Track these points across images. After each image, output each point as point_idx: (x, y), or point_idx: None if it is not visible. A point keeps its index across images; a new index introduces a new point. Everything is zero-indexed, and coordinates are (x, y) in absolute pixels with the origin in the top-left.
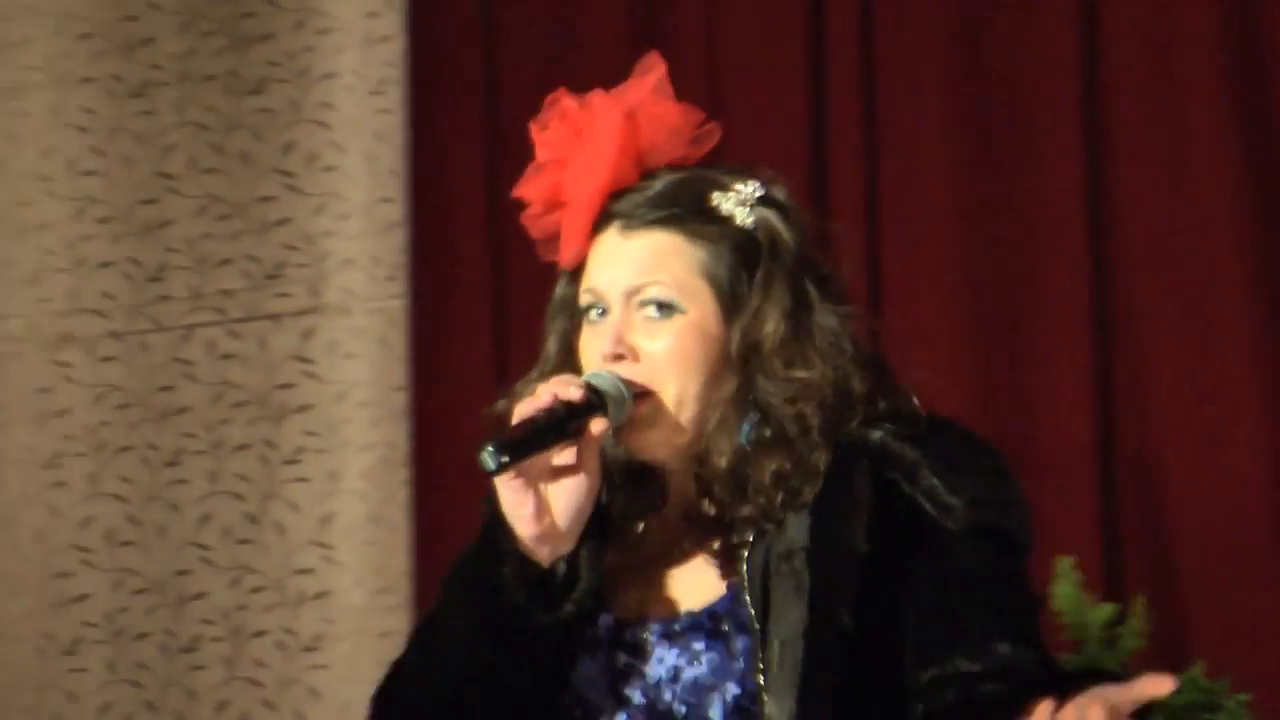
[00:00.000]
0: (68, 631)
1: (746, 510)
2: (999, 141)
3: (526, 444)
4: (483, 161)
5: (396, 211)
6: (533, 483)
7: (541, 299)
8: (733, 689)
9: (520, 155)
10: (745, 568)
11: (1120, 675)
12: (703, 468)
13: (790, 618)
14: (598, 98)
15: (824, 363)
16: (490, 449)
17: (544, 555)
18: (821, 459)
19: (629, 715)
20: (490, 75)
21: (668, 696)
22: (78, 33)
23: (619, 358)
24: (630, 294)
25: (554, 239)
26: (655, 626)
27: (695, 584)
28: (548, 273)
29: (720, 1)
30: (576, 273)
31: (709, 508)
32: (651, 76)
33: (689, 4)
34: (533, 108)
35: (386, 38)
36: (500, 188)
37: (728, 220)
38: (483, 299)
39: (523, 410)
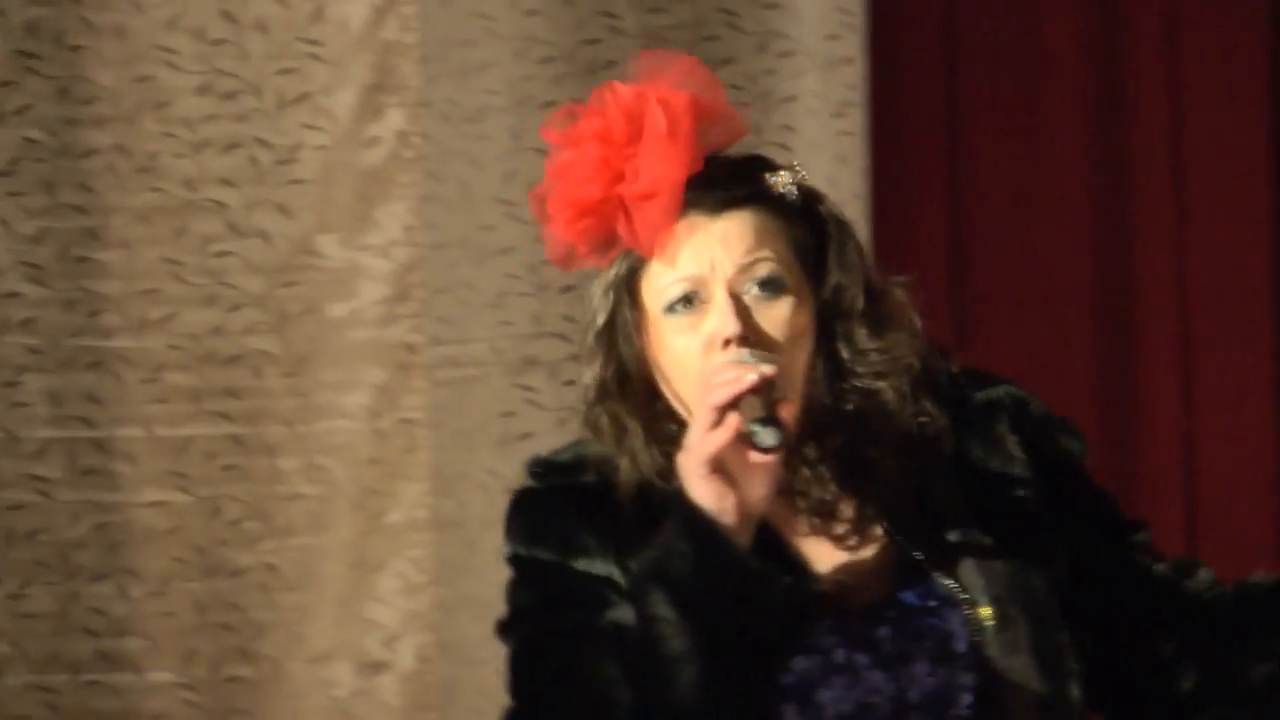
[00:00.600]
0: None
1: (875, 485)
2: None
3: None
4: (944, 184)
5: (860, 235)
6: (725, 467)
7: (1004, 320)
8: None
9: (982, 177)
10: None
11: None
12: (809, 445)
13: (993, 576)
14: (644, 88)
15: (904, 333)
16: (768, 425)
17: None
18: (938, 418)
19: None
20: (952, 97)
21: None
22: (539, 56)
23: (745, 340)
24: (739, 273)
25: (604, 242)
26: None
27: (857, 567)
28: (1009, 291)
29: (1182, 7)
30: (634, 266)
31: (818, 489)
32: (689, 66)
33: (1146, 13)
34: (995, 129)
35: (848, 59)
36: (961, 209)
37: (790, 199)
38: (943, 324)
39: (730, 389)
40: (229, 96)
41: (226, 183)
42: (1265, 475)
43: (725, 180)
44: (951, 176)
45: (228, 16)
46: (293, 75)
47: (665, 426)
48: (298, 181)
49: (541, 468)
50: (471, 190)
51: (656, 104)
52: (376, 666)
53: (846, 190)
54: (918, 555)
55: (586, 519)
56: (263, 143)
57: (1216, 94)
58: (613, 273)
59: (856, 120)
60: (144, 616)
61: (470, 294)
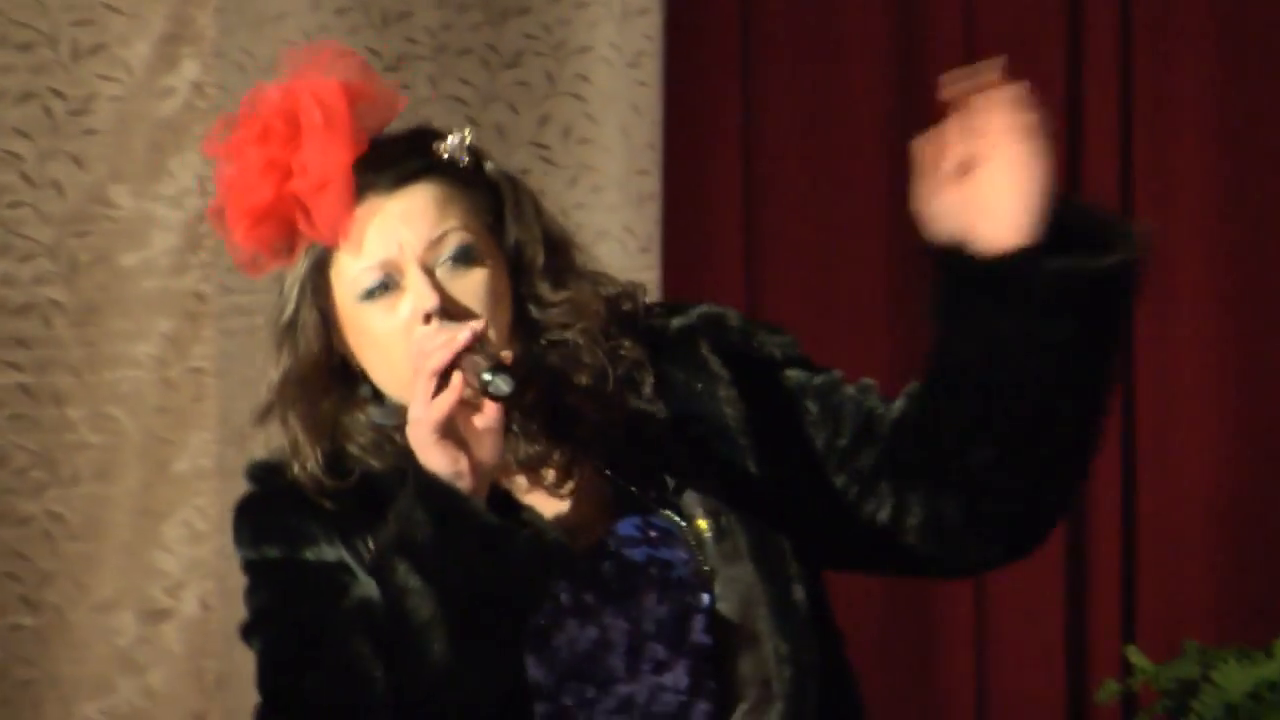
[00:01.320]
0: None
1: (581, 430)
2: (1258, 137)
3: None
4: (738, 134)
5: (651, 185)
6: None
7: (797, 271)
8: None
9: (777, 128)
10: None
11: None
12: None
13: (707, 493)
14: (291, 84)
15: (586, 280)
16: (499, 373)
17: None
18: (633, 353)
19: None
20: (747, 48)
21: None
22: (334, 7)
23: (444, 313)
24: (429, 249)
25: (287, 242)
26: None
27: (577, 511)
28: (803, 245)
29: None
30: (320, 260)
31: (526, 444)
32: (334, 53)
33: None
34: (790, 81)
35: (644, 10)
36: (755, 160)
37: (462, 166)
38: (736, 272)
39: (445, 351)
40: (24, 48)
41: (21, 134)
42: None
43: (395, 157)
44: (745, 127)
45: None
46: (89, 26)
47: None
48: (92, 132)
49: (259, 470)
50: None
51: (308, 96)
52: (160, 614)
53: (641, 140)
54: (632, 490)
55: (308, 510)
56: (57, 93)
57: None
58: (299, 268)
59: (651, 70)
60: None
61: None
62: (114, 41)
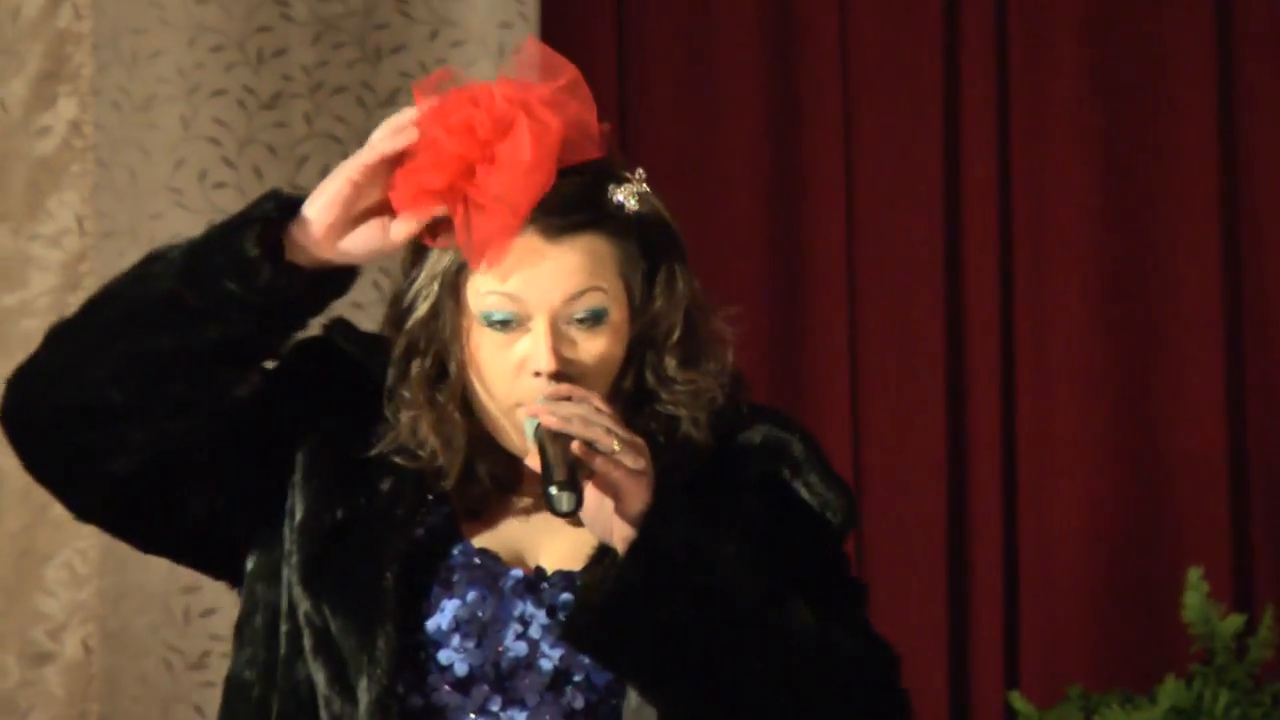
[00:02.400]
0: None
1: None
2: (1132, 145)
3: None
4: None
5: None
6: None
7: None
8: None
9: (654, 156)
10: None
11: None
12: None
13: None
14: (520, 98)
15: (716, 364)
16: (565, 493)
17: (312, 251)
18: (704, 453)
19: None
20: (624, 94)
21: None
22: (210, 44)
23: (556, 376)
24: (565, 304)
25: (424, 227)
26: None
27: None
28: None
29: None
30: (463, 264)
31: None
32: (574, 80)
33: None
34: (668, 98)
35: (521, 49)
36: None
37: (628, 212)
38: None
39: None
40: None
41: None
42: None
43: (568, 202)
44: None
45: None
46: None
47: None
48: None
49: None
50: (141, 179)
51: (527, 128)
52: (42, 657)
53: None
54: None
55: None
56: None
57: (889, 82)
58: (441, 264)
59: None
60: None
61: None
62: None
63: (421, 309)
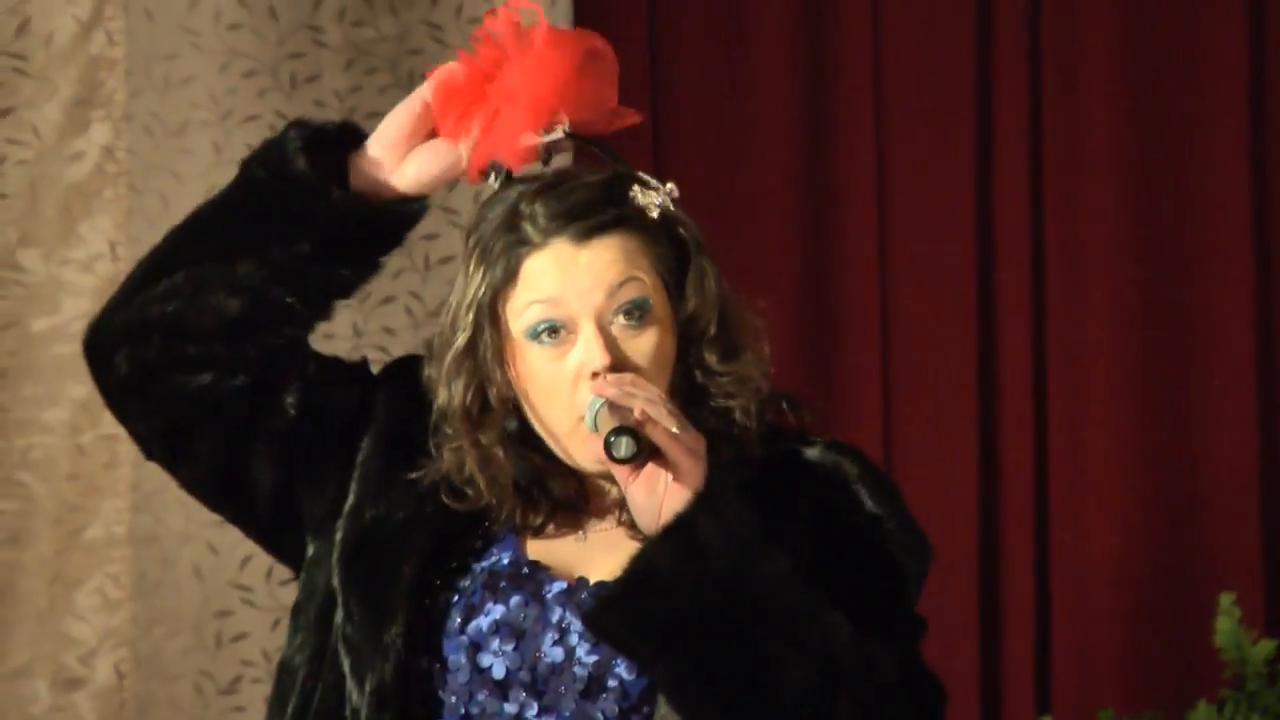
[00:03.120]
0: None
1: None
2: (1165, 167)
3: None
4: (650, 153)
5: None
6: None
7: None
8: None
9: (684, 135)
10: None
11: None
12: None
13: None
14: (552, 34)
15: (754, 354)
16: (623, 437)
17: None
18: (757, 451)
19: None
20: (656, 94)
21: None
22: (243, 70)
23: (613, 370)
24: (608, 300)
25: (459, 134)
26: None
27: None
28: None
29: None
30: (497, 289)
31: None
32: (593, 44)
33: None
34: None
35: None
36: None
37: (656, 217)
38: None
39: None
40: None
41: None
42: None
43: (590, 205)
44: (655, 147)
45: None
46: None
47: (515, 447)
48: (1, 196)
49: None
50: (173, 204)
51: (545, 31)
52: (73, 683)
53: None
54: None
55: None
56: None
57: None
58: (474, 292)
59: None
60: None
61: None
62: (23, 105)
63: (459, 340)
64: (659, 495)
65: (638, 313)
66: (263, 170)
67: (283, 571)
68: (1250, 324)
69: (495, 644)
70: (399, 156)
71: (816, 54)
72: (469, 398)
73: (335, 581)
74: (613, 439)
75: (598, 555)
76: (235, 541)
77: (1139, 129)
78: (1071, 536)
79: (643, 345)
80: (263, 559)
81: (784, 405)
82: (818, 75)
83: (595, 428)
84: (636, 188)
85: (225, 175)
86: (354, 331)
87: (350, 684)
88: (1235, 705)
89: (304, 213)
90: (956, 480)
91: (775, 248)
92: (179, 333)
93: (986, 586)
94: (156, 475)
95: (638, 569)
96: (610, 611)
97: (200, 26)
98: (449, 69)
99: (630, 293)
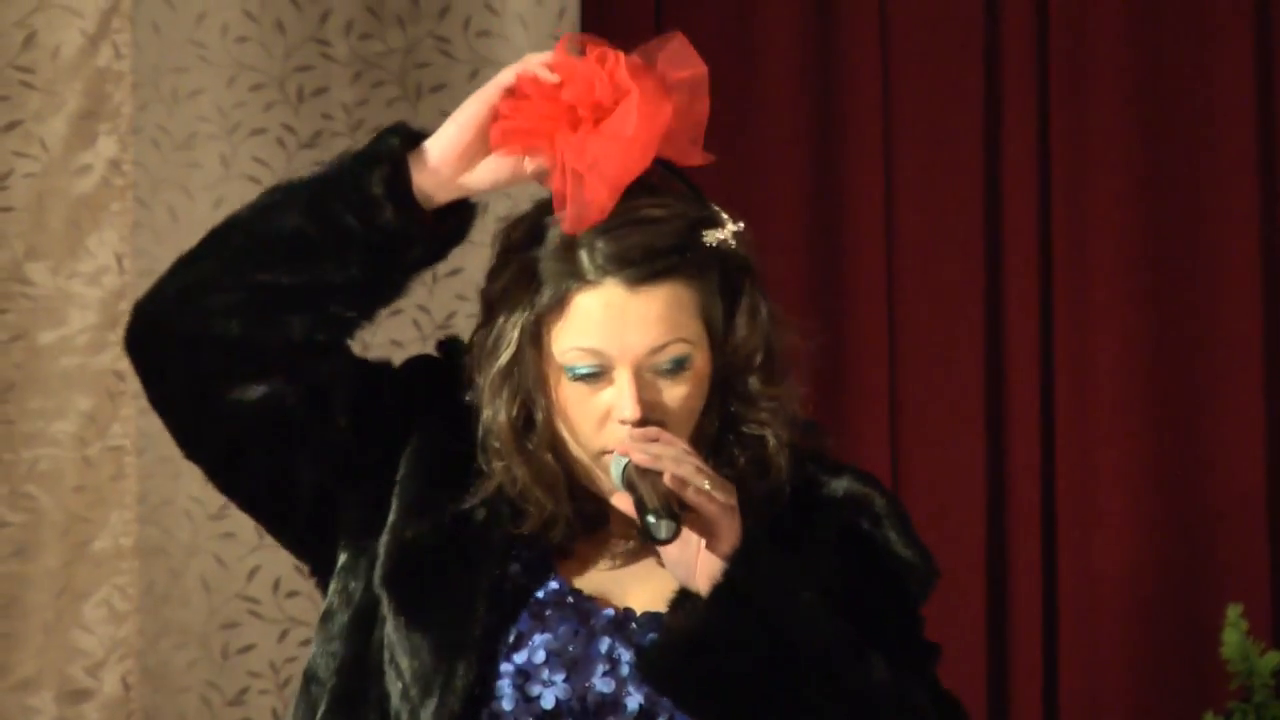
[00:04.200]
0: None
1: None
2: (1174, 180)
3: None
4: None
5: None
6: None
7: None
8: None
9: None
10: None
11: None
12: None
13: None
14: (640, 69)
15: (790, 379)
16: (663, 520)
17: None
18: (786, 485)
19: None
20: None
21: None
22: (250, 83)
23: (643, 423)
24: (648, 356)
25: (516, 157)
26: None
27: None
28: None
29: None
30: (542, 314)
31: None
32: (694, 71)
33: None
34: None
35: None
36: None
37: (716, 252)
38: None
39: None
40: None
41: None
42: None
43: (650, 251)
44: None
45: None
46: (4, 103)
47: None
48: (8, 209)
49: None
50: (180, 217)
51: (637, 103)
52: (80, 694)
53: None
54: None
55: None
56: None
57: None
58: (521, 314)
59: None
60: None
61: None
62: (30, 118)
63: (504, 356)
64: (693, 549)
65: (676, 368)
66: (351, 217)
67: (290, 583)
68: (1259, 338)
69: (545, 674)
70: (464, 160)
71: (824, 67)
72: (515, 413)
73: (384, 603)
74: (652, 522)
75: (630, 582)
76: (242, 554)
77: (1147, 142)
78: (1079, 549)
79: (676, 394)
80: (270, 571)
81: (804, 431)
82: (826, 89)
83: (621, 484)
84: (707, 230)
85: (233, 188)
86: (360, 345)
87: (398, 704)
88: (1243, 717)
89: (384, 248)
90: (964, 494)
91: (782, 261)
92: (240, 350)
93: (994, 599)
94: (164, 487)
95: (689, 628)
96: (672, 665)
97: (207, 40)
98: (545, 69)
99: (672, 353)
